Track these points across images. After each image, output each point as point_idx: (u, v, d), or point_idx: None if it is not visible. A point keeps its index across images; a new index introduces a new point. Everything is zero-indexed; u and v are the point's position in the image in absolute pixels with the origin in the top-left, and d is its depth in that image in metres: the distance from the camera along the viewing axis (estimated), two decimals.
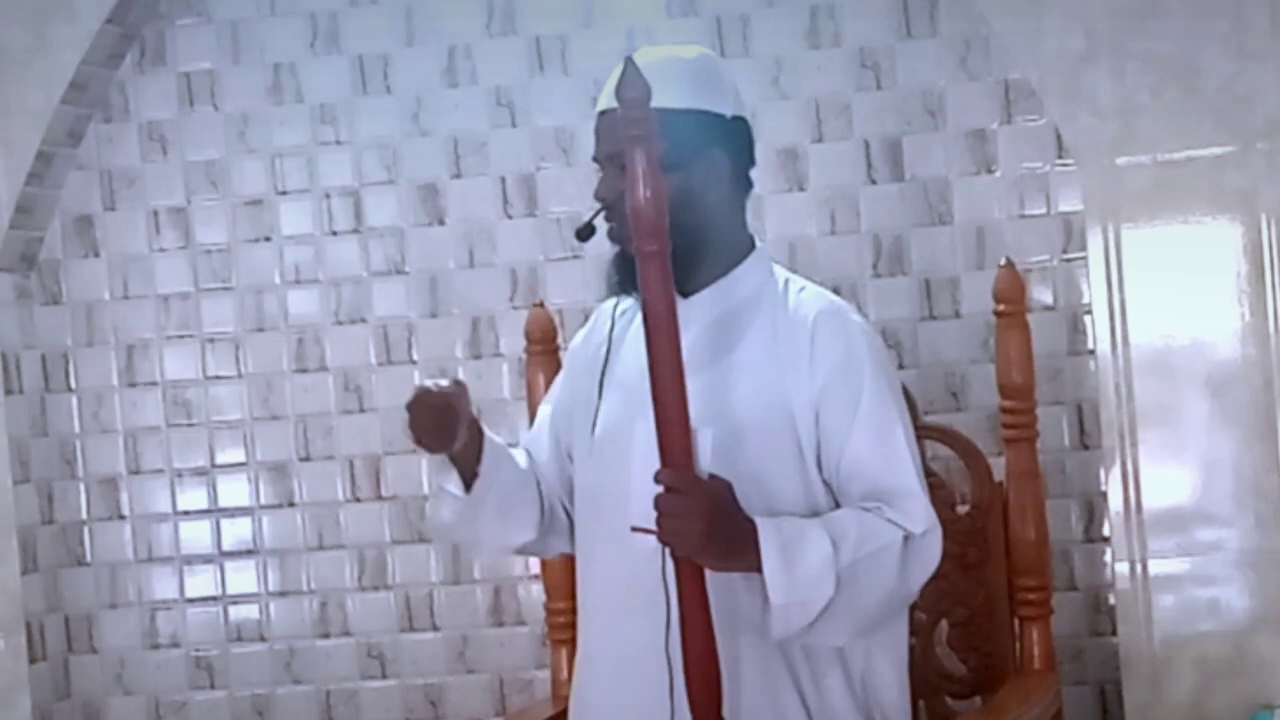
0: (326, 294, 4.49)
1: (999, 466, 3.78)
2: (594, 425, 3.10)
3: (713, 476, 2.85)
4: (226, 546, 4.53)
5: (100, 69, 4.45)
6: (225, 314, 4.51)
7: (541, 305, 4.09)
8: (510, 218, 4.42)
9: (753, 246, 3.13)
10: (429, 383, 2.97)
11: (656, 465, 2.82)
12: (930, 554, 2.98)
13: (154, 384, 4.54)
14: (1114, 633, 4.05)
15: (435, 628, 4.45)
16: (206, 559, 4.53)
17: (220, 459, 4.52)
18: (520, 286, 4.41)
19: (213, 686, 4.52)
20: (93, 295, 4.55)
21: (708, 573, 2.84)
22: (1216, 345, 3.94)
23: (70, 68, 4.36)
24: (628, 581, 3.01)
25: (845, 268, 4.27)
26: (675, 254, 2.84)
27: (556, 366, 3.75)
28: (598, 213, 3.06)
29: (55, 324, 4.55)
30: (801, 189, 4.30)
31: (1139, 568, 3.95)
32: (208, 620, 4.53)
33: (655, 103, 2.80)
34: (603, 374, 3.11)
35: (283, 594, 4.51)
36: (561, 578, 3.81)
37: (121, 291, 4.54)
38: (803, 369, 3.02)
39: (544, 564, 4.03)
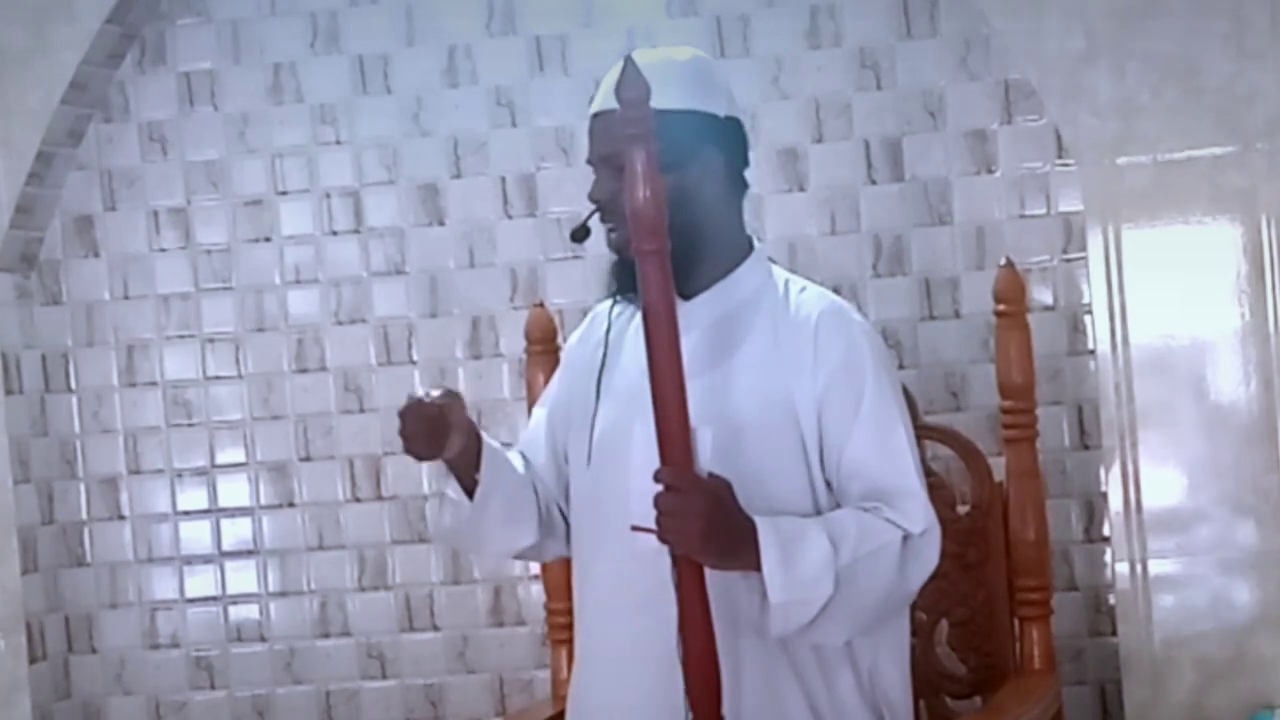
0: (326, 294, 4.49)
1: (999, 466, 3.78)
2: (592, 427, 3.10)
3: (712, 475, 2.85)
4: (226, 546, 4.53)
5: (100, 69, 4.45)
6: (225, 314, 4.51)
7: (541, 305, 4.09)
8: (510, 218, 4.42)
9: (751, 247, 3.13)
10: (422, 392, 3.00)
11: (656, 465, 2.82)
12: (929, 554, 2.98)
13: (154, 384, 4.54)
14: (1114, 633, 4.05)
15: (435, 628, 4.45)
16: (206, 559, 4.53)
17: (220, 459, 4.52)
18: (520, 286, 4.41)
19: (213, 686, 4.52)
20: (93, 295, 4.55)
21: (708, 572, 2.84)
22: (1216, 345, 3.94)
23: (70, 68, 4.37)
24: (628, 582, 3.01)
25: (845, 268, 4.27)
26: (673, 255, 2.83)
27: (556, 367, 3.75)
28: (591, 214, 3.07)
29: (55, 324, 4.56)
30: (801, 189, 4.31)
31: (1139, 568, 3.95)
32: (208, 620, 4.53)
33: (651, 103, 2.80)
34: (600, 376, 3.11)
35: (283, 594, 4.51)
36: (561, 578, 3.81)
37: (121, 291, 4.54)
38: (805, 369, 3.02)
39: (544, 564, 4.02)
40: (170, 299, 4.53)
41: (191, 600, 4.54)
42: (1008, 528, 3.74)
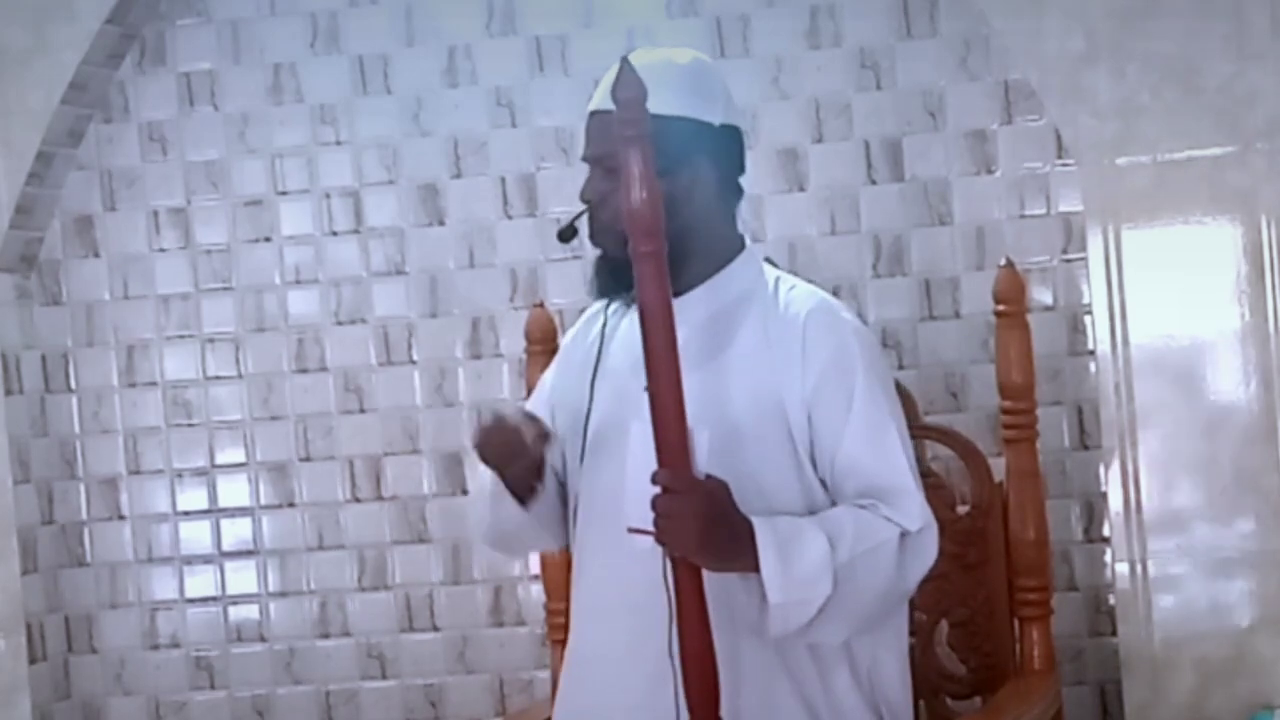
0: (326, 294, 4.49)
1: (999, 466, 3.78)
2: (586, 427, 3.10)
3: (709, 477, 2.85)
4: (226, 546, 4.53)
5: (100, 69, 4.45)
6: (225, 314, 4.51)
7: (541, 305, 4.09)
8: (510, 218, 4.42)
9: (743, 246, 3.13)
10: (506, 413, 3.02)
11: (652, 466, 2.82)
12: (926, 551, 2.98)
13: (154, 384, 4.54)
14: (1114, 633, 4.05)
15: (435, 628, 4.45)
16: (206, 559, 4.53)
17: (220, 459, 4.52)
18: (520, 286, 4.41)
19: (213, 686, 4.52)
20: (93, 295, 4.55)
21: (705, 573, 2.84)
22: (1216, 345, 3.94)
23: (70, 68, 4.37)
24: (624, 582, 3.00)
25: (845, 268, 4.27)
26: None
27: None
28: (580, 214, 3.06)
29: (55, 324, 4.56)
30: (801, 189, 4.30)
31: (1139, 568, 3.95)
32: (208, 620, 4.53)
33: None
34: (594, 375, 3.11)
35: (283, 594, 4.51)
36: (561, 578, 3.80)
37: (121, 291, 4.54)
38: (795, 368, 3.02)
39: (544, 564, 4.03)
40: (170, 299, 4.53)
41: (191, 600, 4.54)
42: (1008, 528, 3.74)
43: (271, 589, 4.51)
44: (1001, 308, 3.79)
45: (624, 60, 2.80)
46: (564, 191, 4.33)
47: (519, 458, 3.02)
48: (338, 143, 4.48)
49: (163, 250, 4.54)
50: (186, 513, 4.54)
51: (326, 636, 4.49)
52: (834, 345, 3.03)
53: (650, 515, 2.81)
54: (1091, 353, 4.09)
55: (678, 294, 2.99)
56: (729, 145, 3.08)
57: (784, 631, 2.91)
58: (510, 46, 4.40)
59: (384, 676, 4.47)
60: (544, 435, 3.02)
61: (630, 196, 2.79)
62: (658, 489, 2.81)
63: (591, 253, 3.12)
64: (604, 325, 3.14)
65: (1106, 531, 4.12)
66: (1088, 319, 4.12)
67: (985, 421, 4.11)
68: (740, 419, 3.00)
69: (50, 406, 4.55)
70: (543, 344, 4.00)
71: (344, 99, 4.47)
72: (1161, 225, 3.95)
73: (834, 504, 3.01)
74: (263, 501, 4.51)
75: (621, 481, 2.98)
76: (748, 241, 3.14)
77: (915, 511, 2.97)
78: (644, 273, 2.81)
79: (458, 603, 4.44)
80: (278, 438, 4.50)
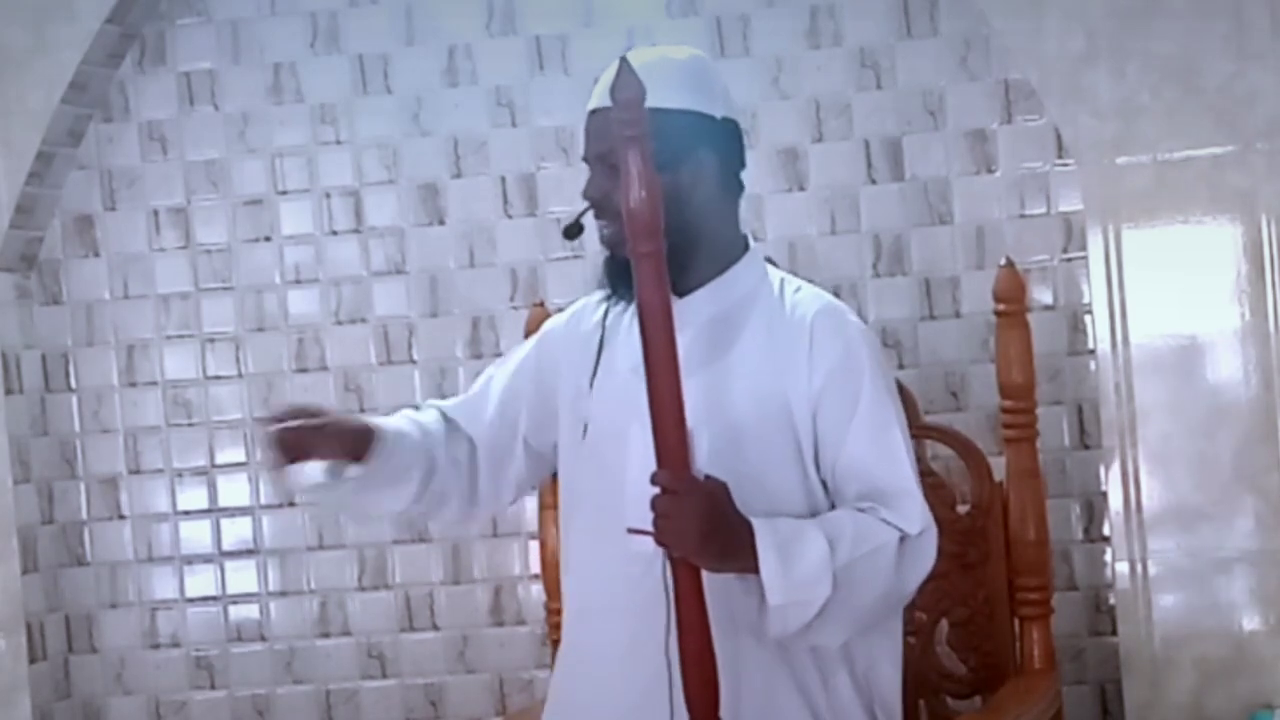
0: (326, 294, 4.49)
1: (999, 466, 3.78)
2: (584, 427, 3.09)
3: (709, 478, 2.85)
4: (226, 546, 4.53)
5: (100, 69, 4.45)
6: (225, 314, 4.51)
7: (541, 305, 4.09)
8: (510, 218, 4.42)
9: (747, 246, 3.13)
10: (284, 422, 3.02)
11: (653, 467, 2.82)
12: (926, 554, 2.98)
13: (154, 384, 4.54)
14: (1114, 633, 4.05)
15: (435, 628, 4.45)
16: (206, 559, 4.53)
17: (220, 459, 4.52)
18: (520, 286, 4.41)
19: (213, 686, 4.52)
20: (93, 295, 4.55)
21: (705, 575, 2.84)
22: (1216, 345, 3.94)
23: (70, 68, 4.37)
24: (622, 583, 3.00)
25: (845, 268, 4.27)
26: (667, 253, 2.83)
27: None
28: (584, 211, 3.07)
29: (55, 324, 4.56)
30: (801, 189, 4.30)
31: (1139, 568, 3.95)
32: (208, 620, 4.53)
33: (646, 102, 2.80)
34: (593, 375, 3.10)
35: (283, 594, 4.51)
36: None
37: (121, 291, 4.54)
38: (801, 369, 3.02)
39: (544, 564, 4.03)
40: (170, 299, 4.53)
41: (191, 600, 4.54)
42: (1008, 528, 3.74)
43: (271, 589, 4.51)
44: (1001, 307, 3.79)
45: (623, 60, 2.80)
46: (564, 191, 4.33)
47: (316, 447, 3.03)
48: (338, 142, 4.48)
49: (163, 250, 4.53)
50: (186, 512, 4.54)
51: (326, 636, 4.49)
52: (841, 348, 3.03)
53: (650, 516, 2.81)
54: (1091, 352, 4.09)
55: (682, 295, 2.99)
56: (730, 138, 3.08)
57: (783, 633, 2.91)
58: (510, 46, 4.40)
59: (384, 676, 4.47)
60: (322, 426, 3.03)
61: (629, 196, 2.79)
62: (657, 489, 2.81)
63: (594, 252, 3.12)
64: (604, 320, 3.14)
65: (1106, 531, 4.12)
66: (1088, 318, 4.12)
67: (985, 421, 4.11)
68: (743, 420, 3.00)
69: (50, 406, 4.55)
70: None
71: (344, 99, 4.47)
72: (1161, 225, 3.95)
73: (834, 505, 3.01)
74: (263, 501, 4.51)
75: (621, 482, 2.98)
76: (751, 242, 3.15)
77: (916, 514, 2.98)
78: (643, 272, 2.81)
79: (458, 602, 4.44)
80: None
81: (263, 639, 4.52)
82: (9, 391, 4.42)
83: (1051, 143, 4.17)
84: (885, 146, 4.27)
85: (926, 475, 3.54)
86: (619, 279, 3.03)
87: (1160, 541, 3.95)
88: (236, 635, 4.52)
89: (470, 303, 4.43)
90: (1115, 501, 3.97)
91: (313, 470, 3.09)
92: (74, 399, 4.56)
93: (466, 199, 4.43)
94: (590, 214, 3.07)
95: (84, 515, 4.56)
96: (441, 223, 4.45)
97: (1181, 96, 3.93)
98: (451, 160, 4.43)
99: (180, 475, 4.54)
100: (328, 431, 3.06)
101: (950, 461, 3.85)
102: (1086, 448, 4.18)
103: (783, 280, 3.13)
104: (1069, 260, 4.19)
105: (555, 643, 3.93)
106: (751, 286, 3.10)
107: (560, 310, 4.16)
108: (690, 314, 3.00)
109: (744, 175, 3.14)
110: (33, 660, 4.41)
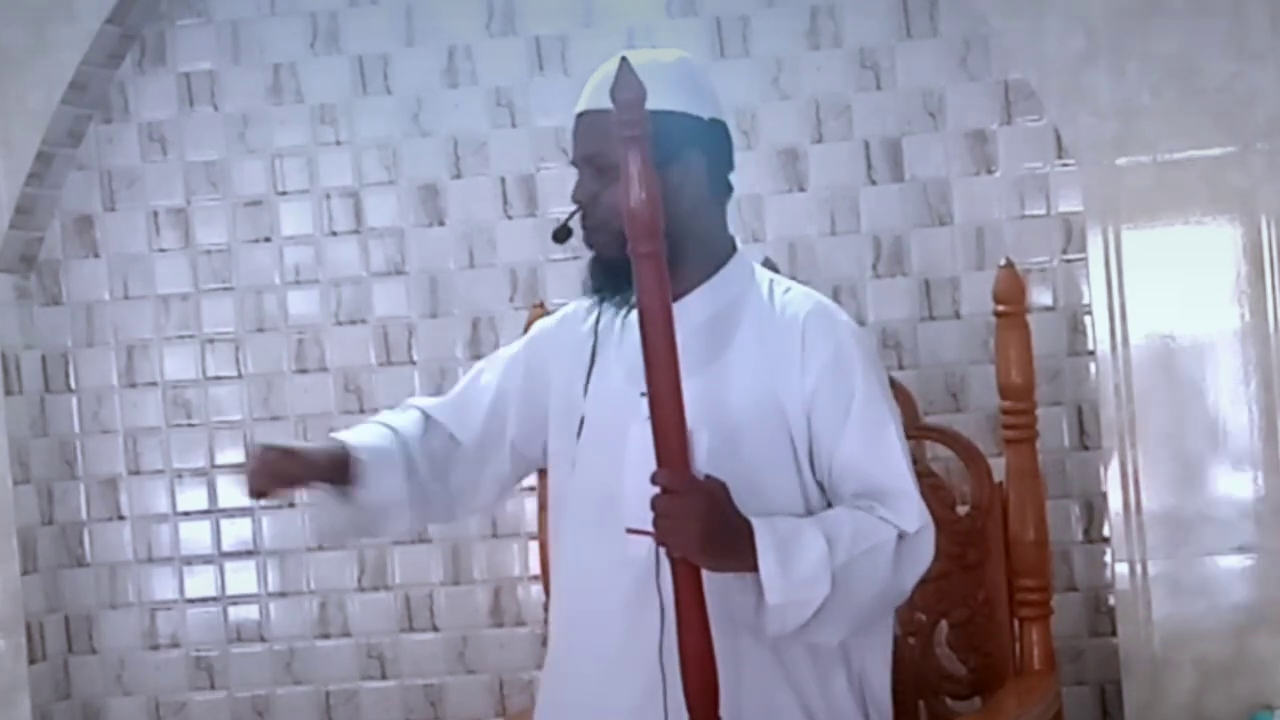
0: (326, 294, 4.49)
1: (999, 467, 3.78)
2: (579, 429, 3.09)
3: (708, 477, 2.85)
4: (226, 547, 4.53)
5: (100, 69, 4.45)
6: (225, 314, 4.51)
7: (541, 305, 4.09)
8: (510, 218, 4.42)
9: (734, 248, 3.13)
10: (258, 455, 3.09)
11: (652, 467, 2.82)
12: (923, 552, 2.98)
13: (154, 384, 4.54)
14: (1114, 633, 4.05)
15: (435, 628, 4.45)
16: (206, 559, 4.53)
17: (220, 459, 4.52)
18: (520, 286, 4.41)
19: (213, 687, 4.52)
20: (93, 295, 4.55)
21: (704, 574, 2.84)
22: (1216, 345, 3.94)
23: (70, 68, 4.37)
24: (620, 583, 3.00)
25: (845, 268, 4.27)
26: None
27: None
28: (572, 214, 3.06)
29: (55, 324, 4.56)
30: (801, 189, 4.30)
31: (1139, 568, 3.95)
32: (208, 620, 4.53)
33: None
34: (588, 379, 3.10)
35: (283, 594, 4.51)
36: None
37: (121, 292, 4.54)
38: (794, 370, 3.02)
39: (544, 565, 4.03)
40: (170, 299, 4.53)
41: (191, 600, 4.54)
42: (1008, 528, 3.74)
43: (271, 589, 4.51)
44: (1001, 308, 3.79)
45: (623, 60, 2.80)
46: (564, 192, 4.26)
47: (294, 482, 3.10)
48: (338, 143, 4.48)
49: (163, 250, 4.54)
50: (186, 513, 4.54)
51: (326, 636, 4.49)
52: (833, 347, 3.03)
53: (650, 516, 2.81)
54: (1091, 353, 4.09)
55: (676, 297, 2.99)
56: (718, 139, 3.08)
57: (781, 631, 2.91)
58: (510, 46, 4.40)
59: (384, 677, 4.47)
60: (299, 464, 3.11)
61: (630, 197, 2.79)
62: (657, 490, 2.81)
63: (588, 253, 3.11)
64: (596, 325, 3.13)
65: (1106, 531, 4.12)
66: (1088, 319, 4.12)
67: (985, 421, 4.11)
68: (739, 421, 3.00)
69: (50, 406, 4.55)
70: None
71: (344, 99, 4.47)
72: (1161, 225, 3.95)
73: (830, 505, 3.01)
74: (262, 501, 4.50)
75: (618, 484, 2.98)
76: (738, 244, 3.14)
77: (913, 512, 2.97)
78: (644, 273, 2.81)
79: (458, 603, 4.44)
80: (278, 438, 4.48)
81: (262, 640, 4.51)
82: (9, 392, 4.42)
83: (1051, 143, 4.17)
84: (885, 147, 4.27)
85: (926, 476, 3.54)
86: (605, 281, 3.03)
87: (1160, 541, 3.95)
88: (236, 636, 4.52)
89: (470, 303, 4.43)
90: (1115, 502, 3.97)
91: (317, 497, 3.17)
92: (74, 400, 4.56)
93: (466, 199, 4.43)
94: (579, 217, 3.07)
95: (84, 516, 4.56)
96: (441, 223, 4.45)
97: (1181, 96, 3.93)
98: (451, 161, 4.44)
99: (180, 476, 4.54)
100: (301, 457, 3.09)
101: (950, 462, 3.85)
102: (1086, 448, 4.18)
103: (771, 281, 3.13)
104: (1069, 261, 4.19)
105: None
106: (741, 288, 3.10)
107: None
108: (686, 316, 2.99)
109: (737, 177, 3.13)
110: (32, 661, 4.41)
